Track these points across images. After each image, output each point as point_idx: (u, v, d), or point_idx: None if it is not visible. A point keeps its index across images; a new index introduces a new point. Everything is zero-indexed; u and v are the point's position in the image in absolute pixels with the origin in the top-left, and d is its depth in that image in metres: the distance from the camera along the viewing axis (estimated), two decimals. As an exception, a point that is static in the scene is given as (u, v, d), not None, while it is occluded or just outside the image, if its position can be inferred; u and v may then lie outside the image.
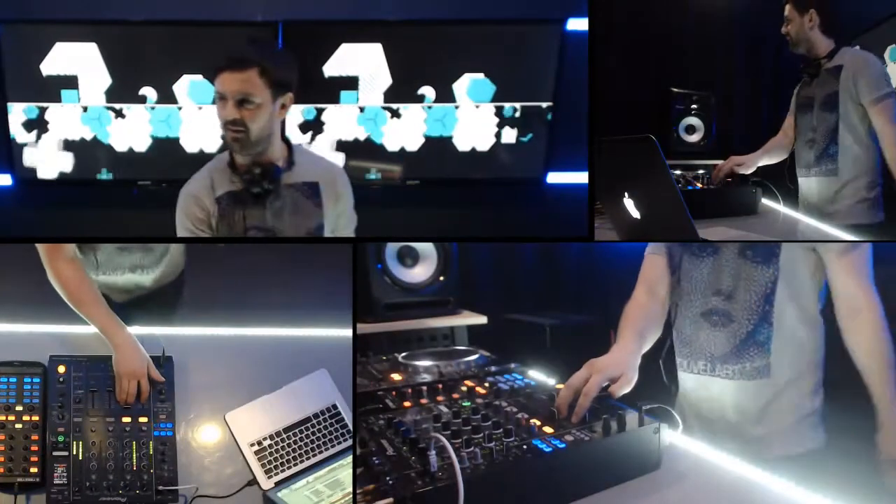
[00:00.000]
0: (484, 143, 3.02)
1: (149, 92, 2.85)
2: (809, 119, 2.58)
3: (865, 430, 1.70)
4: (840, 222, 2.41)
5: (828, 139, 2.50)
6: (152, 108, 2.87)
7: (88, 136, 2.88)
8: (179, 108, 2.87)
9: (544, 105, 2.99)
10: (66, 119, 2.86)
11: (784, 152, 2.78)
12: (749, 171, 2.76)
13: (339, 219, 2.04)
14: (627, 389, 1.60)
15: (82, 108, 2.85)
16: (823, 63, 2.53)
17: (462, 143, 3.01)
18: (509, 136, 3.02)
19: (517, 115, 2.99)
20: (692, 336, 1.82)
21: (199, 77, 2.83)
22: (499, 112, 2.98)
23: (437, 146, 3.00)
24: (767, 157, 2.81)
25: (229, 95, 1.83)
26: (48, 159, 2.90)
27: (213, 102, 1.90)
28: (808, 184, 2.61)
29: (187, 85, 2.84)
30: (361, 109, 2.94)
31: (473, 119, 2.98)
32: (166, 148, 2.90)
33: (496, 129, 3.01)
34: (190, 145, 2.90)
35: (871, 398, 1.66)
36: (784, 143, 2.79)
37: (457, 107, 2.96)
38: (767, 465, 1.43)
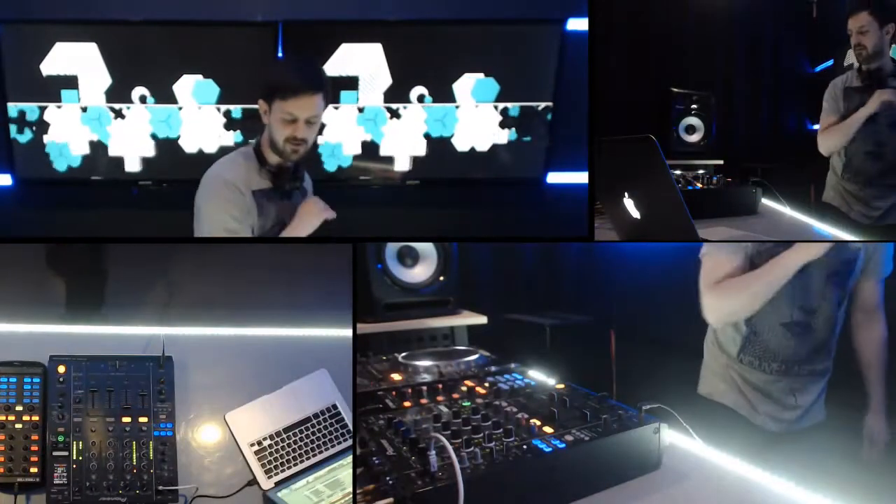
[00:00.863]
0: (484, 144, 3.02)
1: (148, 92, 2.85)
2: (873, 132, 2.59)
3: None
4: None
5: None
6: (152, 108, 2.87)
7: (88, 137, 2.88)
8: (179, 108, 2.87)
9: (544, 105, 2.99)
10: (65, 119, 2.86)
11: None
12: None
13: None
14: None
15: (82, 109, 2.85)
16: (891, 81, 2.54)
17: (462, 144, 3.01)
18: (510, 136, 3.01)
19: (517, 115, 2.99)
20: (769, 341, 1.94)
21: (201, 77, 2.83)
22: (499, 112, 2.98)
23: (438, 146, 3.00)
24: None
25: (302, 116, 1.97)
26: (48, 159, 2.89)
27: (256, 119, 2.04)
28: (865, 193, 2.63)
29: (191, 85, 2.84)
30: (361, 110, 2.94)
31: (474, 119, 2.98)
32: (166, 148, 2.90)
33: (497, 129, 3.01)
34: (190, 145, 2.90)
35: (867, 386, 2.02)
36: None
37: (457, 107, 2.96)
38: (799, 434, 1.91)
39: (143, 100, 2.85)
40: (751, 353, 1.98)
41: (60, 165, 2.90)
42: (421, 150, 3.00)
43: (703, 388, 2.10)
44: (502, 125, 2.99)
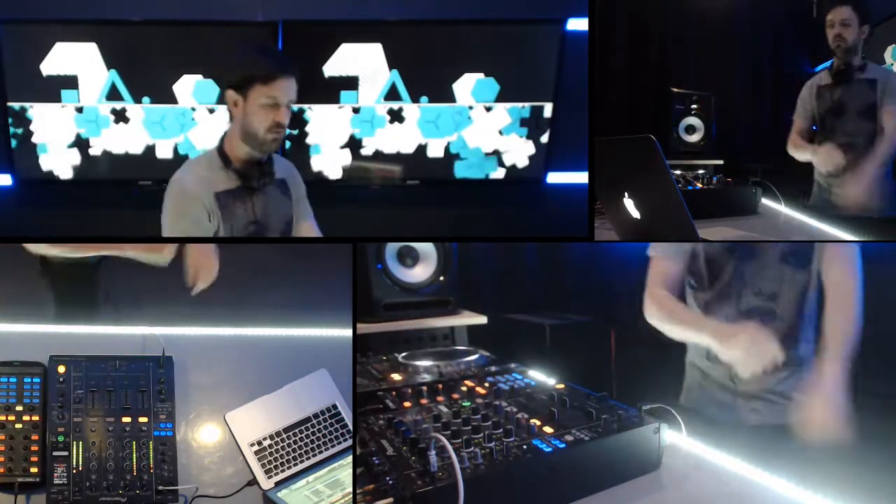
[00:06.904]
0: (485, 144, 3.02)
1: (148, 92, 2.85)
2: (842, 123, 2.65)
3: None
4: (874, 215, 2.56)
5: (867, 143, 2.59)
6: (153, 108, 2.87)
7: (88, 136, 2.88)
8: (179, 109, 2.87)
9: (544, 105, 2.99)
10: (65, 119, 2.86)
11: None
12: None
13: (298, 206, 2.16)
14: None
15: (82, 109, 2.85)
16: (857, 74, 2.63)
17: (463, 144, 3.01)
18: (510, 136, 3.01)
19: (517, 114, 2.99)
20: None
21: (201, 77, 2.83)
22: (499, 112, 2.98)
23: (437, 146, 3.00)
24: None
25: (284, 101, 1.92)
26: (48, 159, 2.90)
27: (234, 105, 1.95)
28: (840, 183, 2.65)
29: (191, 85, 2.84)
30: (356, 110, 2.94)
31: (474, 119, 2.98)
32: (166, 148, 2.90)
33: (497, 129, 3.00)
34: (190, 145, 2.90)
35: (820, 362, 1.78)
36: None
37: (457, 107, 2.96)
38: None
39: (142, 100, 2.85)
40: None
41: (60, 165, 2.90)
42: (421, 150, 3.00)
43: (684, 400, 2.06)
44: (502, 125, 2.99)
